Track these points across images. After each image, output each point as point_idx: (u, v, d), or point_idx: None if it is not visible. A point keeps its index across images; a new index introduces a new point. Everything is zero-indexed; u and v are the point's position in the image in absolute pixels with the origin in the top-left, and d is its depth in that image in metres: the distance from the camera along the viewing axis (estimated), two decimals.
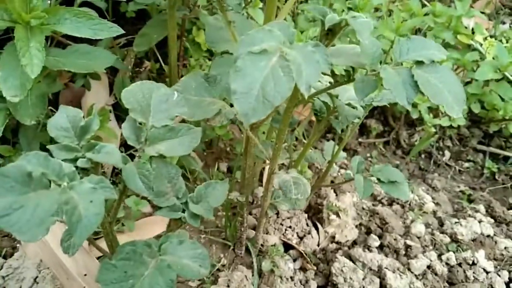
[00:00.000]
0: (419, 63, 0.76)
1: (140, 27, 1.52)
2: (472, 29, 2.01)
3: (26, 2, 1.00)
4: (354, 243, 1.42)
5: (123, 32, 1.06)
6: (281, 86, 0.59)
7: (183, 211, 0.74)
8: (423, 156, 1.94)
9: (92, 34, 1.03)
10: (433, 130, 1.74)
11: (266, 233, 1.31)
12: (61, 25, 1.02)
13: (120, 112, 1.64)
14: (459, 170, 1.89)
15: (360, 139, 1.94)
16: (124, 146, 1.50)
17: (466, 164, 1.91)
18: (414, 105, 1.81)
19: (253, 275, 1.19)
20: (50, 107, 1.27)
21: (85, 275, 1.03)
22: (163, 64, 1.75)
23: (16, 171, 0.55)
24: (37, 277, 1.07)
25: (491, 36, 2.35)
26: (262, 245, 1.27)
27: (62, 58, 1.11)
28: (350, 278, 1.23)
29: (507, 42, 2.20)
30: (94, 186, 0.59)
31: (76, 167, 0.65)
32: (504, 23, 2.68)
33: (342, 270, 1.23)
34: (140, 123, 0.71)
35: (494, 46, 1.88)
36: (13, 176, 0.54)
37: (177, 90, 0.91)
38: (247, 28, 1.08)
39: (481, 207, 1.64)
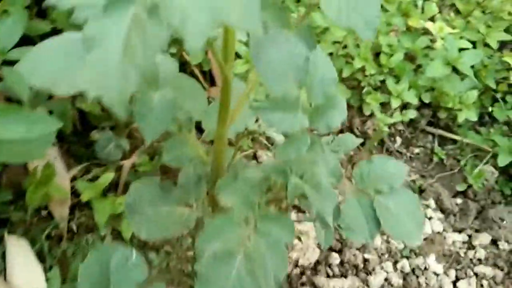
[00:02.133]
0: (379, 191, 0.76)
1: None
2: (423, 9, 1.97)
3: None
4: (317, 262, 1.49)
5: (62, 124, 0.97)
6: None
7: None
8: (375, 143, 1.99)
9: (25, 131, 0.94)
10: (386, 129, 1.77)
11: None
12: None
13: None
14: (410, 157, 1.96)
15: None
16: (74, 193, 1.43)
17: (417, 150, 1.98)
18: (367, 103, 1.81)
19: None
20: None
21: None
22: None
23: None
24: None
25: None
26: None
27: None
28: None
29: (456, 14, 2.18)
30: None
31: None
32: None
33: None
34: None
35: (443, 31, 1.86)
36: None
37: (130, 204, 0.87)
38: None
39: (431, 202, 1.74)
